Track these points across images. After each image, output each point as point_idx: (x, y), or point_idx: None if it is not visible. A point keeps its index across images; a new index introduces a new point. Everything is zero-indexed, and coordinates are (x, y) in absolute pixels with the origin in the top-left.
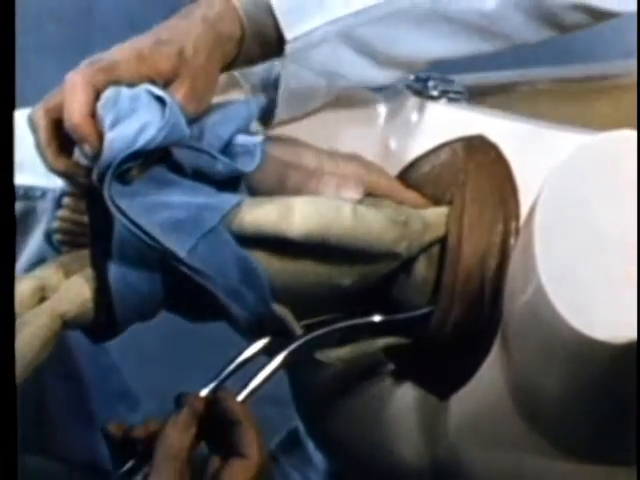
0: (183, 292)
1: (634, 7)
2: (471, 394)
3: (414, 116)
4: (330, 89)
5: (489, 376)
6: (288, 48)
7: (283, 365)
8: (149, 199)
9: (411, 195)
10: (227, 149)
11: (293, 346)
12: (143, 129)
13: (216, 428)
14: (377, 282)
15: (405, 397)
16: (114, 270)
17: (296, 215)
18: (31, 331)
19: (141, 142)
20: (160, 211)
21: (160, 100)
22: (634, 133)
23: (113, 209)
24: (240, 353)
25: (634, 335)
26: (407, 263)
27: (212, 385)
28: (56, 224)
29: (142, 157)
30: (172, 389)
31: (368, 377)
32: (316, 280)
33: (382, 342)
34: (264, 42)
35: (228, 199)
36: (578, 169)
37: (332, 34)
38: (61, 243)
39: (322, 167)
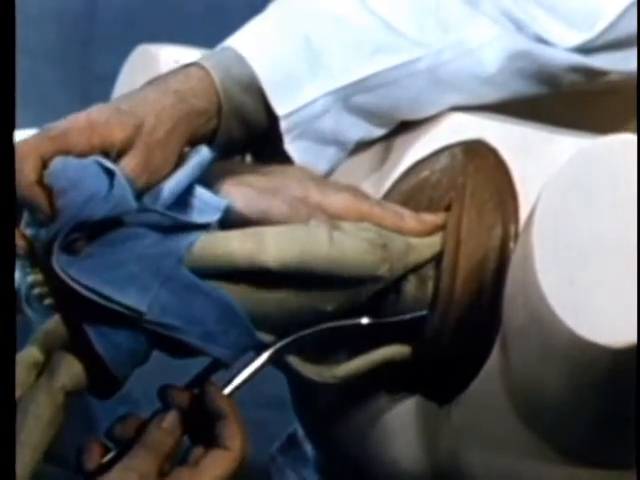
0: (164, 340)
1: (633, 66)
2: (470, 399)
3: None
4: (342, 151)
5: (488, 380)
6: (284, 124)
7: (269, 362)
8: (100, 260)
9: (409, 223)
10: (183, 199)
11: (280, 344)
12: (89, 201)
13: (200, 421)
14: (364, 303)
15: (404, 403)
16: (97, 335)
17: (271, 244)
18: (35, 412)
19: (86, 214)
20: (113, 269)
21: (109, 172)
22: (633, 137)
23: (64, 278)
24: (248, 364)
25: (634, 339)
26: (396, 283)
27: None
28: (31, 278)
29: (87, 228)
30: None
31: (368, 383)
32: (298, 307)
33: (378, 356)
34: (245, 121)
35: (182, 240)
36: (577, 173)
37: (331, 103)
38: (42, 296)
39: (308, 197)
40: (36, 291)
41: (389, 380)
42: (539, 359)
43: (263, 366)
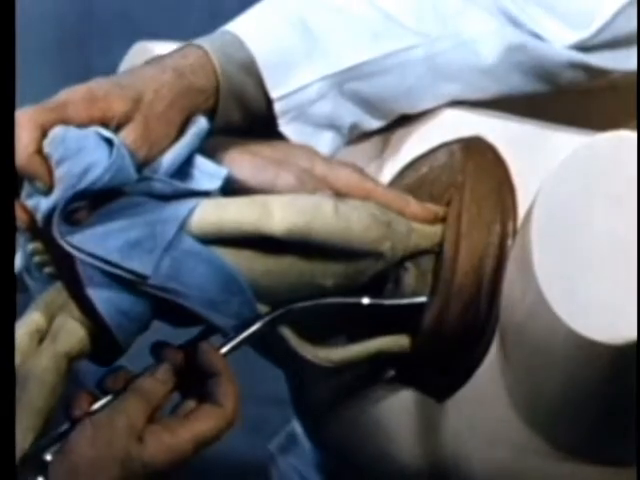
0: (167, 305)
1: (631, 65)
2: (469, 395)
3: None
4: (339, 137)
5: (487, 377)
6: (278, 107)
7: (265, 328)
8: (101, 228)
9: (412, 207)
10: (184, 169)
11: (278, 312)
12: (88, 170)
13: (193, 378)
14: (364, 287)
15: (403, 399)
16: (102, 302)
17: (277, 212)
18: (39, 377)
19: (85, 183)
20: (115, 236)
21: (108, 142)
22: (632, 134)
23: (66, 247)
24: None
25: (633, 336)
26: (395, 273)
27: None
28: (31, 246)
29: (87, 198)
30: None
31: (366, 380)
32: (299, 280)
33: (376, 345)
34: (244, 103)
35: (182, 207)
36: (576, 170)
37: (326, 88)
38: (42, 265)
39: (314, 169)
40: (36, 259)
41: (388, 376)
42: (538, 356)
43: (259, 331)
